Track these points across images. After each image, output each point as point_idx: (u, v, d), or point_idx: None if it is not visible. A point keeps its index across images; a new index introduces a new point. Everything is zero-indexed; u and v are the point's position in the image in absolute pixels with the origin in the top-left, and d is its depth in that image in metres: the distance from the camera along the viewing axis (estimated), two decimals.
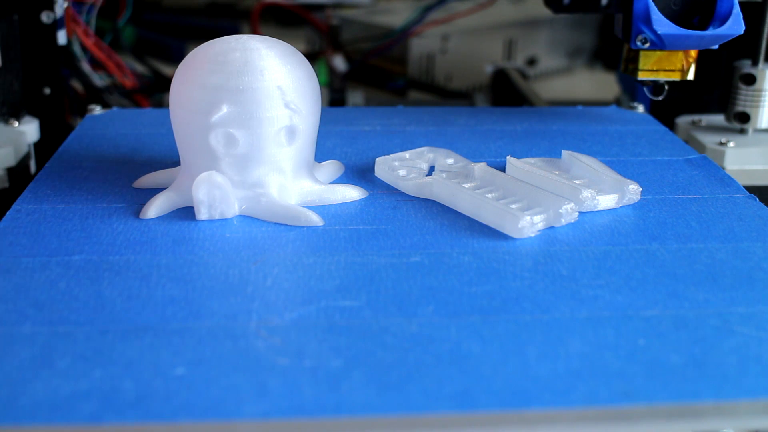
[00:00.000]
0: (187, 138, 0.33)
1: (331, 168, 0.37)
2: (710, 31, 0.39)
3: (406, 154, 0.38)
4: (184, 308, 0.26)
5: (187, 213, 0.33)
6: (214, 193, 0.32)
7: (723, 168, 0.41)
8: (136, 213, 0.33)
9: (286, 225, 0.32)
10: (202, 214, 0.32)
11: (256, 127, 0.32)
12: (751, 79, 0.44)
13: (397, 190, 0.36)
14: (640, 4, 0.39)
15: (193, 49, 0.33)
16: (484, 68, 0.72)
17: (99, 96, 0.55)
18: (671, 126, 0.47)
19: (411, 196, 0.35)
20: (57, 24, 0.48)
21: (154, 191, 0.34)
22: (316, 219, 0.32)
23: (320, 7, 0.76)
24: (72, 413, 0.21)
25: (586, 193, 0.33)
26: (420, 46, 0.71)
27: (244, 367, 0.23)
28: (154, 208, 0.33)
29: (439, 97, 0.70)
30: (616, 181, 0.35)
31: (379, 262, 0.29)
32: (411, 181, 0.35)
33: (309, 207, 0.33)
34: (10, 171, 0.41)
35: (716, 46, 0.40)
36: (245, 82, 0.31)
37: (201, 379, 0.23)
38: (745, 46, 0.45)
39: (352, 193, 0.35)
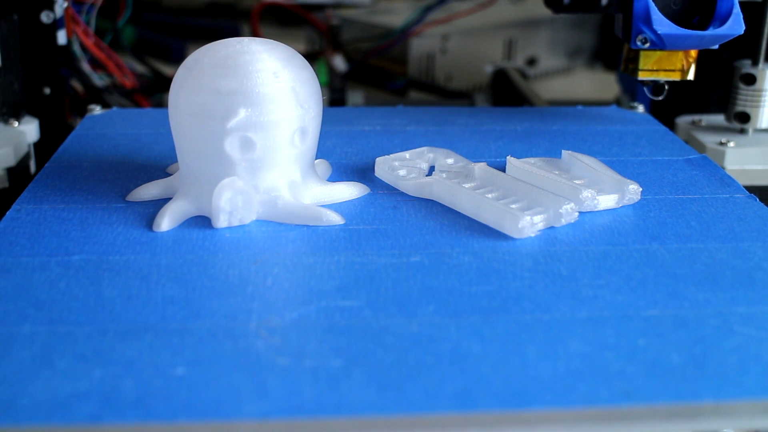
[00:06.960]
0: (196, 145, 0.32)
1: (323, 167, 0.37)
2: (710, 31, 0.39)
3: (406, 154, 0.38)
4: (184, 308, 0.26)
5: None
6: (237, 199, 0.31)
7: (723, 168, 0.41)
8: (137, 213, 0.33)
9: (286, 225, 0.32)
10: (222, 221, 0.31)
11: (272, 129, 0.31)
12: (751, 79, 0.44)
13: (397, 190, 0.36)
14: (640, 4, 0.39)
15: (193, 49, 0.33)
16: (484, 68, 0.72)
17: (99, 96, 0.55)
18: (671, 126, 0.47)
19: (411, 196, 0.35)
20: (57, 24, 0.48)
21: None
22: (337, 218, 0.32)
23: (320, 7, 0.76)
24: (72, 413, 0.21)
25: (586, 193, 0.33)
26: (420, 46, 0.71)
27: (244, 367, 0.23)
28: (167, 221, 0.32)
29: (439, 97, 0.70)
30: (616, 181, 0.35)
31: (379, 262, 0.29)
32: (411, 181, 0.35)
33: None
34: (10, 171, 0.41)
35: (716, 46, 0.40)
36: (260, 85, 0.31)
37: (201, 379, 0.23)
38: (745, 46, 0.45)
39: (354, 190, 0.35)
